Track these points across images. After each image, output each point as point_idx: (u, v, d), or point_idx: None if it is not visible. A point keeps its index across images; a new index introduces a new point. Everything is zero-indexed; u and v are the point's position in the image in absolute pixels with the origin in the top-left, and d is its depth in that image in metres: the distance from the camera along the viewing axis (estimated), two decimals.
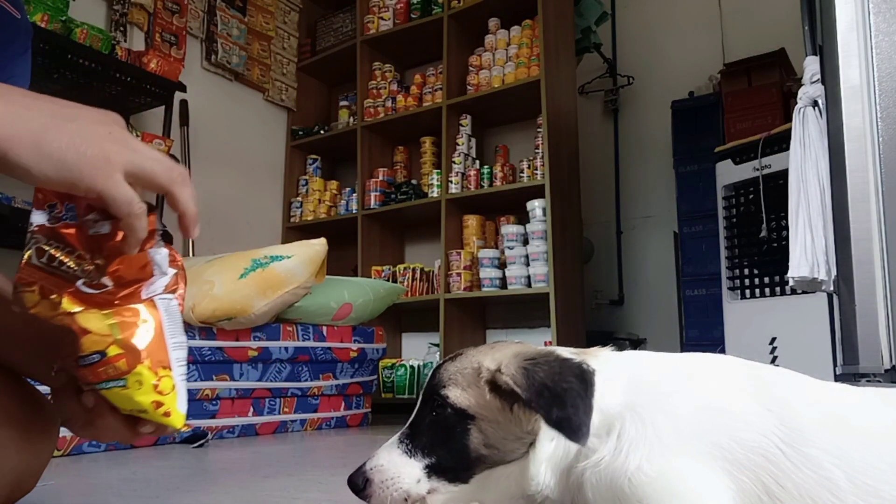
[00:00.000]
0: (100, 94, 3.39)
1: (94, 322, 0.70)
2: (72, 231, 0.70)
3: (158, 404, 0.73)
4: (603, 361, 0.82)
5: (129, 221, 0.66)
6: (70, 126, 0.63)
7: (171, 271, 0.79)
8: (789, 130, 2.14)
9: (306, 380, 2.82)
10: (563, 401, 0.72)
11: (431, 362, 3.82)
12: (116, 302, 0.71)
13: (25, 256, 0.70)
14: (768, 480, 0.71)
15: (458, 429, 0.78)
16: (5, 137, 0.60)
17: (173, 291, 0.78)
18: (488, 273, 3.72)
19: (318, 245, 2.69)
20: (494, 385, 0.78)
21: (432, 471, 0.79)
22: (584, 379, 0.75)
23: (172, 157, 3.50)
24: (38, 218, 0.70)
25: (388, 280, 3.95)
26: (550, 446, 0.78)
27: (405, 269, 4.03)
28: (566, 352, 0.83)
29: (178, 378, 0.75)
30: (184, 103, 3.92)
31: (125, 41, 3.61)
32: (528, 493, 0.79)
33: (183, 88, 3.60)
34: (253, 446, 2.29)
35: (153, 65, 3.41)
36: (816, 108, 2.04)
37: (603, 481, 0.73)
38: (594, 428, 0.74)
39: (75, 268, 0.70)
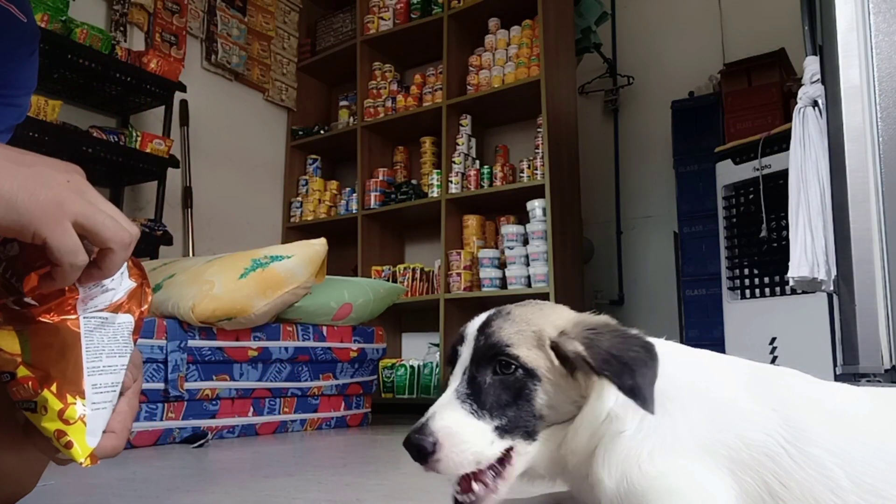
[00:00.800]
0: (100, 94, 3.40)
1: (6, 340, 0.67)
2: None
3: (61, 433, 0.68)
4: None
5: (67, 271, 0.64)
6: (25, 170, 0.61)
7: (127, 285, 0.74)
8: (789, 130, 2.14)
9: (306, 380, 2.82)
10: (632, 369, 0.72)
11: (431, 362, 3.82)
12: (40, 318, 0.67)
13: None
14: (771, 480, 0.71)
15: (527, 389, 0.76)
16: None
17: (119, 309, 0.72)
18: (488, 273, 3.72)
19: (318, 245, 2.69)
20: (558, 350, 0.77)
21: (504, 431, 0.76)
22: (649, 349, 0.75)
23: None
24: None
25: (388, 280, 3.94)
26: (595, 409, 0.78)
27: (405, 269, 4.03)
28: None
29: (91, 407, 0.70)
30: (184, 103, 3.92)
31: (125, 41, 3.61)
32: (564, 454, 0.79)
33: (183, 88, 3.60)
34: (253, 446, 2.29)
35: (153, 65, 3.42)
36: (816, 108, 2.04)
37: (617, 453, 0.74)
38: (627, 400, 0.74)
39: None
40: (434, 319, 3.87)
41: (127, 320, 0.74)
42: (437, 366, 3.79)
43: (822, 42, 1.84)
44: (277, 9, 4.66)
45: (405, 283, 3.93)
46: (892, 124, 1.64)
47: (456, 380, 0.79)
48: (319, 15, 4.93)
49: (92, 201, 0.64)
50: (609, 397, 0.77)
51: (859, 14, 1.68)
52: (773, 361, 2.99)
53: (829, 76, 1.75)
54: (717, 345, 3.38)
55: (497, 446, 0.75)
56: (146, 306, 0.76)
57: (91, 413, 0.70)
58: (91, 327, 0.70)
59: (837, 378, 1.71)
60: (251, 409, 2.64)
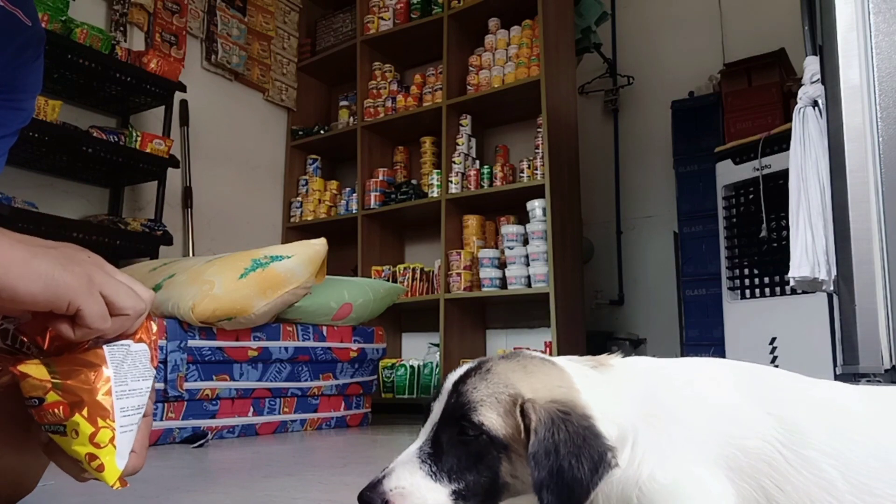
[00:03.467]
0: (100, 94, 3.40)
1: (34, 368, 0.70)
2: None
3: (92, 457, 0.71)
4: (618, 370, 0.82)
5: (93, 333, 0.71)
6: (53, 252, 0.70)
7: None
8: (789, 130, 2.14)
9: (306, 380, 2.82)
10: (560, 477, 0.69)
11: (431, 362, 3.82)
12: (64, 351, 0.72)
13: None
14: (769, 485, 0.71)
15: (490, 456, 0.73)
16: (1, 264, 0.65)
17: (132, 338, 0.76)
18: (488, 273, 3.72)
19: (318, 245, 2.69)
20: (524, 416, 0.74)
21: (459, 497, 0.73)
22: (596, 470, 0.70)
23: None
24: None
25: (388, 280, 3.95)
26: None
27: (405, 269, 4.03)
28: (591, 385, 0.79)
29: (119, 430, 0.73)
30: (184, 103, 3.92)
31: (125, 41, 3.61)
32: None
33: (183, 88, 3.60)
34: (253, 446, 2.29)
35: (153, 65, 3.42)
36: (816, 108, 2.04)
37: (614, 491, 0.73)
38: (612, 442, 0.73)
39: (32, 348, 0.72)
40: (434, 319, 3.87)
41: (142, 348, 0.77)
42: (437, 366, 3.79)
43: (822, 42, 1.83)
44: (277, 9, 4.66)
45: (405, 283, 3.93)
46: (892, 124, 1.64)
47: (421, 437, 0.77)
48: (319, 15, 4.93)
49: (110, 274, 0.73)
50: None
51: (859, 14, 1.68)
52: (773, 362, 3.00)
53: (829, 76, 1.74)
54: (717, 345, 3.39)
55: None
56: (152, 334, 0.80)
57: (120, 436, 0.73)
58: (115, 354, 0.74)
59: (837, 378, 1.71)
60: (251, 409, 2.65)
